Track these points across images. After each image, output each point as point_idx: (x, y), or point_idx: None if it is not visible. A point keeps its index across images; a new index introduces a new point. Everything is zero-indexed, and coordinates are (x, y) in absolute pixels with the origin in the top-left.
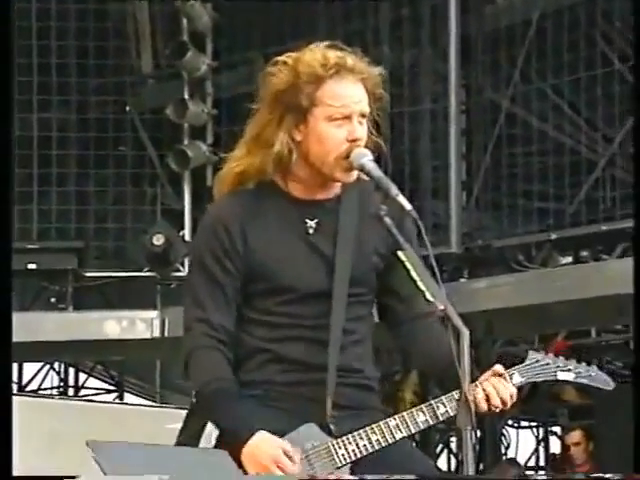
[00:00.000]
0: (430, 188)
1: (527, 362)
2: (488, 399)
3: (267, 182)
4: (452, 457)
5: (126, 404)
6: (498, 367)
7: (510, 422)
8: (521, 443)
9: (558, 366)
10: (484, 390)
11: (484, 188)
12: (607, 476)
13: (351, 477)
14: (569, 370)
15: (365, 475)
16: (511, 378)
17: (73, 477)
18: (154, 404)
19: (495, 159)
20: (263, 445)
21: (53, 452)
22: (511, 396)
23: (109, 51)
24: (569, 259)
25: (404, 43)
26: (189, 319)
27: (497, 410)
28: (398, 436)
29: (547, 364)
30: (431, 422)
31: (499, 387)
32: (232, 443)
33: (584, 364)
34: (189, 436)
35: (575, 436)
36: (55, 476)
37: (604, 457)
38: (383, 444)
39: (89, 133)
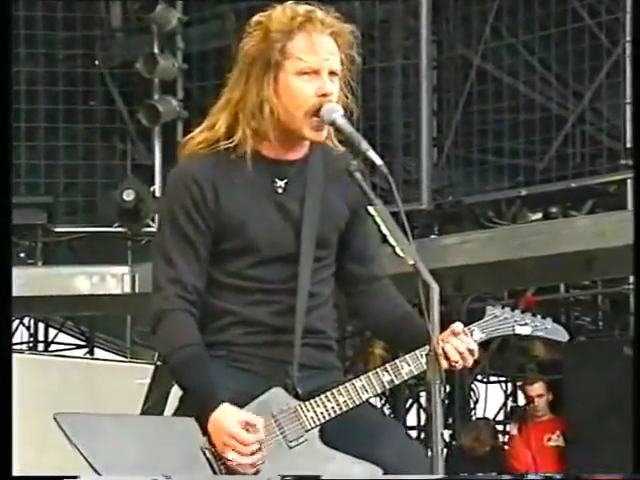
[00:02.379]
0: (401, 144)
1: (486, 318)
2: (447, 357)
3: (239, 140)
4: (422, 412)
5: (96, 359)
6: (457, 325)
7: (479, 377)
8: (490, 398)
9: (515, 320)
10: (442, 348)
11: (455, 145)
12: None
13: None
14: (526, 324)
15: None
16: (471, 334)
17: (74, 477)
18: (124, 359)
19: (466, 115)
20: (223, 420)
21: (22, 407)
22: (470, 351)
23: (78, 4)
24: (539, 215)
25: None
26: (160, 278)
27: (458, 366)
28: (365, 397)
29: (505, 319)
30: (396, 381)
31: (456, 343)
32: (198, 411)
33: (539, 317)
34: (156, 402)
35: (538, 388)
36: (55, 476)
37: (571, 412)
38: (351, 405)
39: (58, 87)
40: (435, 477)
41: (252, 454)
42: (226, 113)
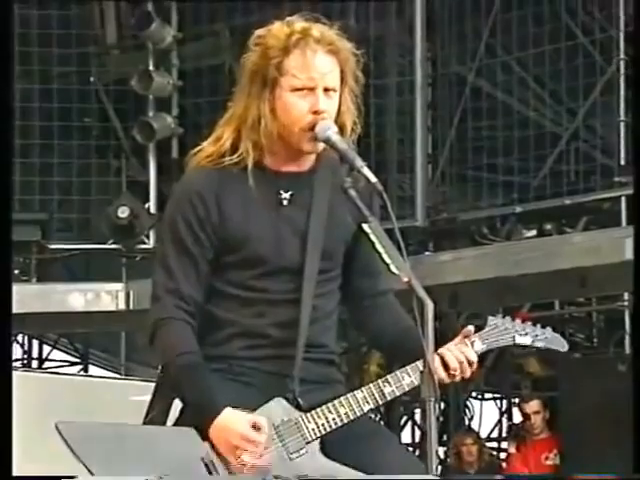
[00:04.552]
0: (396, 161)
1: (487, 328)
2: (446, 365)
3: (242, 153)
4: (416, 429)
5: (91, 376)
6: (468, 328)
7: (474, 394)
8: (485, 414)
9: (516, 330)
10: (440, 354)
11: (449, 161)
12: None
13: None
14: (526, 334)
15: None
16: (472, 345)
17: (72, 477)
18: (119, 376)
19: (460, 132)
20: (231, 423)
21: (16, 425)
22: (470, 362)
23: (73, 21)
24: (533, 232)
25: (370, 16)
26: (159, 289)
27: (456, 375)
28: (366, 408)
29: (506, 329)
30: (397, 393)
31: (456, 352)
32: (199, 419)
33: (539, 327)
34: (158, 412)
35: (535, 405)
36: (55, 476)
37: (567, 428)
38: (352, 417)
39: (53, 104)
40: (432, 476)
41: (261, 456)
42: (231, 127)
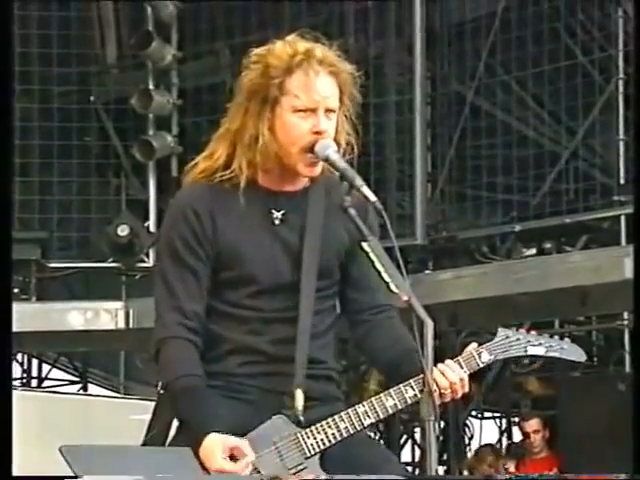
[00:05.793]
0: (395, 180)
1: (496, 339)
2: (436, 384)
3: (235, 170)
4: (416, 448)
5: (90, 395)
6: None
7: (473, 413)
8: (484, 433)
9: (529, 341)
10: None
11: (449, 180)
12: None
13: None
14: (540, 344)
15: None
16: (479, 356)
17: (74, 477)
18: (118, 395)
19: (460, 151)
20: (209, 453)
21: (16, 444)
22: (461, 379)
23: (73, 40)
24: (533, 251)
25: (369, 34)
26: (160, 306)
27: (446, 395)
28: (367, 422)
29: (517, 340)
30: (400, 406)
31: (445, 369)
32: (191, 439)
33: (556, 337)
34: (158, 431)
35: (534, 424)
36: (55, 476)
37: (566, 447)
38: (352, 431)
39: (53, 123)
40: (431, 476)
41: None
42: (225, 143)
